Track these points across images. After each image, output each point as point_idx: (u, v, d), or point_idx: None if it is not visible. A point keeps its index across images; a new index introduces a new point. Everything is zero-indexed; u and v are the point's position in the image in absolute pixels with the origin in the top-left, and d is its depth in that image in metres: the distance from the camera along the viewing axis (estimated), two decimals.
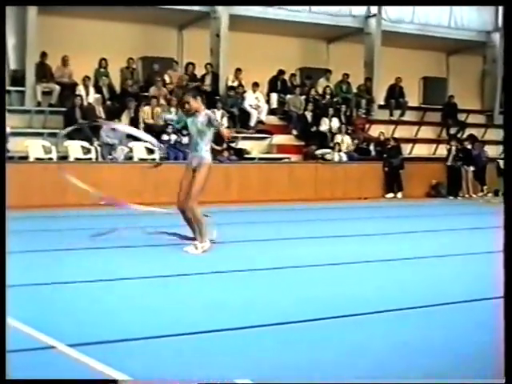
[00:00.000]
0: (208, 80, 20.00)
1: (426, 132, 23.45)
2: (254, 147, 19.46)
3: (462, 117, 24.05)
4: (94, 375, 3.80)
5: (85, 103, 17.73)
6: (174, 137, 17.72)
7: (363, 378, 3.88)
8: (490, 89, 24.99)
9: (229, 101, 19.59)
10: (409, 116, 23.50)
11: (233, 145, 18.74)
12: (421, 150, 22.60)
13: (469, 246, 9.67)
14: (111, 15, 19.27)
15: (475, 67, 25.56)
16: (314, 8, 21.34)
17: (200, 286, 6.60)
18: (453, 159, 20.60)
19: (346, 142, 20.15)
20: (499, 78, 24.24)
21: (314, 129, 20.42)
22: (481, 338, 4.65)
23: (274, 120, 20.85)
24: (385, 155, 20.21)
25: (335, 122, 20.57)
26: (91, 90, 18.27)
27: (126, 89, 18.93)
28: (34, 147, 16.29)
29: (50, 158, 16.33)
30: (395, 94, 23.02)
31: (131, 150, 17.22)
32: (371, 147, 20.96)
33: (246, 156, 18.84)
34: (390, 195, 19.71)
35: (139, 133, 7.51)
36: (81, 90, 18.07)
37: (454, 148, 20.72)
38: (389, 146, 20.36)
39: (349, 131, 20.70)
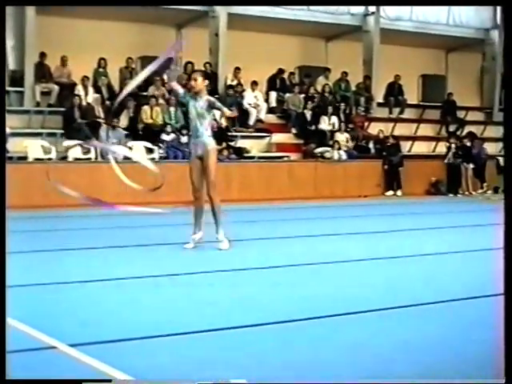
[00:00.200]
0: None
1: (426, 129, 23.45)
2: (254, 146, 19.46)
3: (461, 114, 24.05)
4: (94, 375, 3.80)
5: (84, 103, 17.74)
6: (173, 136, 17.73)
7: (363, 377, 3.87)
8: (489, 86, 24.98)
9: (228, 100, 19.57)
10: (408, 114, 23.50)
11: (232, 144, 18.75)
12: (420, 148, 22.61)
13: (469, 243, 9.66)
14: (110, 15, 19.27)
15: (474, 64, 25.56)
16: (313, 6, 21.34)
17: (199, 286, 6.59)
18: (452, 157, 20.60)
19: (344, 140, 20.15)
20: (498, 75, 24.26)
21: (313, 127, 20.43)
22: (481, 337, 4.65)
23: (273, 119, 20.85)
24: (384, 153, 20.21)
25: (334, 120, 20.57)
26: (90, 89, 18.28)
27: (124, 88, 18.91)
28: (33, 147, 16.29)
29: (50, 159, 16.34)
30: (394, 91, 23.03)
31: (130, 150, 17.21)
32: (371, 145, 20.98)
33: (246, 155, 18.84)
34: (390, 193, 19.72)
35: (132, 154, 7.34)
36: (80, 89, 18.07)
37: (453, 145, 20.71)
38: (388, 144, 20.38)
39: (348, 129, 20.71)
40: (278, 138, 20.19)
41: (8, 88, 17.43)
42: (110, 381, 3.73)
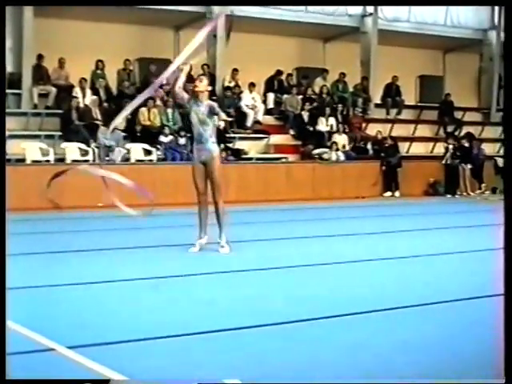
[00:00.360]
0: None
1: (423, 130, 23.45)
2: (252, 147, 19.45)
3: (458, 115, 24.05)
4: (93, 376, 3.80)
5: (81, 105, 17.73)
6: (171, 138, 17.73)
7: (362, 377, 3.87)
8: (487, 86, 24.97)
9: (225, 101, 19.57)
10: (405, 114, 23.50)
11: (230, 145, 18.75)
12: (418, 149, 22.61)
13: (467, 243, 9.67)
14: (107, 17, 19.26)
15: (472, 65, 25.58)
16: (310, 7, 21.34)
17: (198, 287, 6.59)
18: (450, 157, 20.60)
19: (341, 141, 20.15)
20: (496, 76, 24.27)
21: (311, 128, 20.43)
22: (481, 337, 4.65)
23: (270, 120, 20.85)
24: (382, 154, 20.22)
25: (332, 122, 20.58)
26: (88, 91, 18.26)
27: (122, 90, 18.92)
28: (31, 149, 16.29)
29: (48, 161, 16.34)
30: (392, 92, 23.03)
31: (128, 152, 17.22)
32: (368, 146, 20.98)
33: (244, 156, 18.83)
34: (388, 194, 19.72)
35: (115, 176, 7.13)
36: (77, 92, 18.06)
37: (451, 146, 20.72)
38: (386, 145, 20.38)
39: (345, 130, 20.71)
40: (276, 139, 20.19)
41: (6, 90, 17.41)
42: (108, 381, 3.73)
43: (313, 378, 3.86)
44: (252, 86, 20.29)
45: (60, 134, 17.04)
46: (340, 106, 21.37)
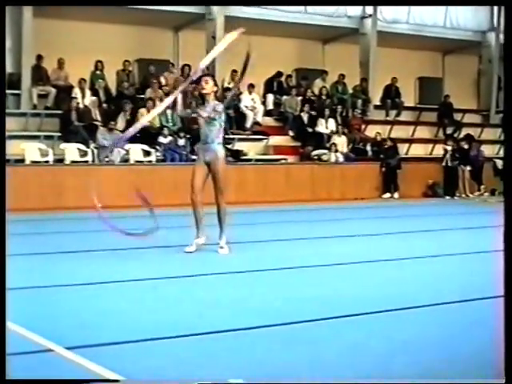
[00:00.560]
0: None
1: (423, 132, 23.48)
2: (251, 148, 19.47)
3: (458, 116, 24.09)
4: (93, 377, 3.80)
5: (81, 106, 17.74)
6: (170, 139, 17.74)
7: (363, 377, 3.87)
8: (486, 88, 25.01)
9: (225, 102, 19.56)
10: (405, 116, 23.54)
11: (229, 146, 18.74)
12: (417, 150, 22.63)
13: (466, 245, 9.67)
14: (107, 17, 19.27)
15: (471, 67, 25.62)
16: (310, 9, 21.37)
17: (198, 287, 6.59)
18: (450, 159, 20.61)
19: (341, 142, 20.16)
20: (495, 78, 24.30)
21: (310, 130, 20.44)
22: (481, 338, 4.65)
23: (270, 121, 20.87)
24: (382, 156, 20.23)
25: (331, 123, 20.59)
26: (87, 92, 18.27)
27: (122, 91, 18.93)
28: (31, 150, 16.29)
29: (47, 161, 16.35)
30: (391, 94, 23.05)
31: (128, 153, 17.22)
32: (368, 147, 20.99)
33: (243, 157, 18.84)
34: (387, 195, 19.73)
35: None
36: (77, 92, 18.07)
37: (449, 148, 20.73)
38: (385, 147, 20.39)
39: (345, 132, 20.72)
40: (275, 140, 20.21)
41: (5, 91, 17.41)
42: (110, 381, 3.73)
43: (314, 378, 3.87)
44: (251, 87, 20.31)
45: (59, 134, 17.06)
46: (339, 107, 21.38)
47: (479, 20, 24.73)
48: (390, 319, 5.34)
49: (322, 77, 22.21)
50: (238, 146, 19.14)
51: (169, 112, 18.32)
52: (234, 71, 20.34)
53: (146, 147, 17.49)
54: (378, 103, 22.98)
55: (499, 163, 20.79)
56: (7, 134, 14.89)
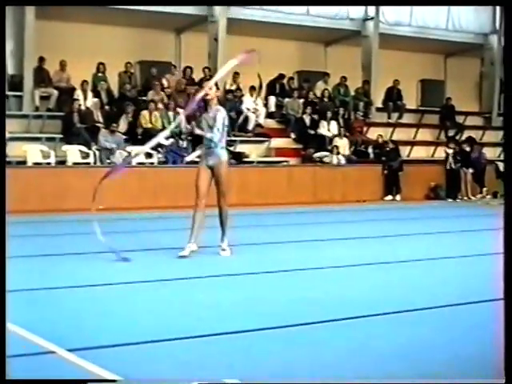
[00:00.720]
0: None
1: (425, 134, 23.45)
2: (253, 151, 19.46)
3: (460, 119, 24.06)
4: (91, 377, 3.80)
5: (83, 108, 17.73)
6: (172, 141, 17.72)
7: (362, 378, 3.87)
8: (488, 91, 24.99)
9: (227, 104, 19.57)
10: (407, 118, 23.51)
11: (231, 148, 18.74)
12: (419, 153, 22.61)
13: (468, 248, 9.66)
14: (109, 19, 19.27)
15: (473, 69, 25.60)
16: (312, 11, 21.35)
17: (199, 289, 6.59)
18: (452, 162, 20.59)
19: (342, 144, 20.15)
20: (497, 80, 24.28)
21: (312, 132, 20.44)
22: (481, 339, 4.65)
23: (272, 123, 20.85)
24: (383, 158, 20.22)
25: (333, 125, 20.58)
26: (89, 94, 18.27)
27: (124, 93, 18.93)
28: (32, 152, 16.29)
29: (49, 163, 16.34)
30: (393, 96, 23.03)
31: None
32: (370, 150, 20.97)
33: (245, 160, 18.83)
34: (389, 198, 19.72)
35: None
36: (79, 94, 18.06)
37: (450, 151, 20.71)
38: (387, 149, 20.38)
39: (346, 134, 20.71)
40: (277, 142, 20.19)
41: (7, 92, 17.41)
42: (110, 382, 3.73)
43: (314, 378, 3.87)
44: (253, 89, 20.30)
45: (61, 136, 17.05)
46: (341, 109, 21.36)
47: (481, 22, 24.70)
48: (391, 321, 5.34)
49: (324, 79, 22.20)
50: (239, 148, 19.12)
51: (171, 114, 18.30)
52: (236, 73, 20.35)
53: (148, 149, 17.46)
54: (380, 105, 22.95)
55: (501, 166, 20.76)
56: (9, 135, 14.94)
